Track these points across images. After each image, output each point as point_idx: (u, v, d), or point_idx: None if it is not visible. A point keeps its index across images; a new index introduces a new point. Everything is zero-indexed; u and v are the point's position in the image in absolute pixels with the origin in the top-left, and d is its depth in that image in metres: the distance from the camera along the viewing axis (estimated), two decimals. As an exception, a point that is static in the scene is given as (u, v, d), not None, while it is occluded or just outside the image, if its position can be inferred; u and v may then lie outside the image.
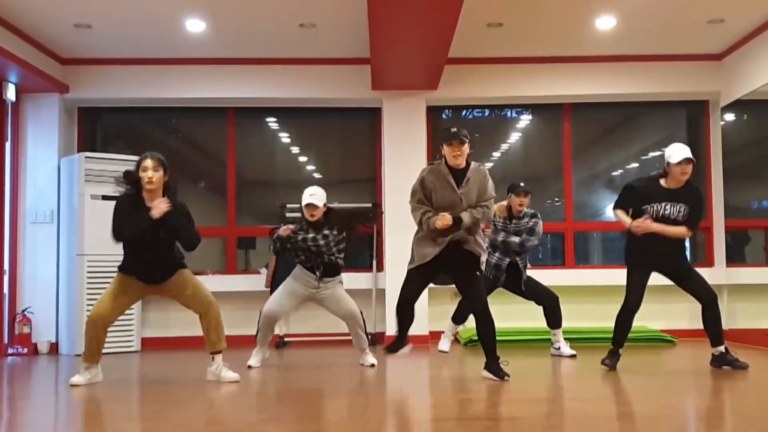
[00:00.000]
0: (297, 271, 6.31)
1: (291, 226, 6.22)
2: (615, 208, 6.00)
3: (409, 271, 5.48)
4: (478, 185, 5.38)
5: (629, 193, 5.90)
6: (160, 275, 5.48)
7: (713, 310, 5.84)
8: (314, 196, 6.18)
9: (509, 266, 6.72)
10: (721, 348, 5.89)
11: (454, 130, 5.31)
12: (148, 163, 5.36)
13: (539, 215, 6.79)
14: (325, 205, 6.23)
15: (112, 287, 5.48)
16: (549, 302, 6.82)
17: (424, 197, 5.44)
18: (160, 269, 5.47)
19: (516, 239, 6.68)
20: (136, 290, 5.52)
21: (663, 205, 5.71)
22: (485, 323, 5.37)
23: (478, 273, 5.42)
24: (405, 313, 5.49)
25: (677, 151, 5.68)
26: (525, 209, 6.74)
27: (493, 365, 5.38)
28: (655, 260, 5.81)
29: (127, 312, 5.77)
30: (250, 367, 6.27)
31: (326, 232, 6.14)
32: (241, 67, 8.41)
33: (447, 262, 5.37)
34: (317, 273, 6.19)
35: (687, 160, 5.65)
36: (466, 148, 5.34)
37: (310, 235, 6.12)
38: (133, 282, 5.46)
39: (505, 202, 6.77)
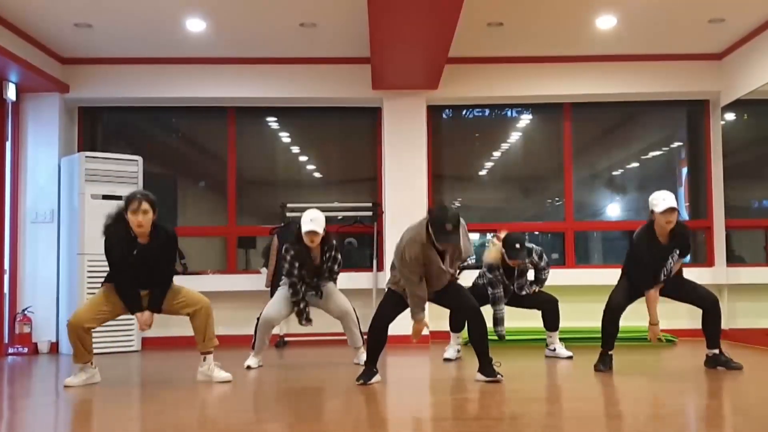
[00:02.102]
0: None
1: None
2: (645, 288, 5.85)
3: (389, 289, 5.45)
4: (458, 248, 5.28)
5: (645, 262, 5.80)
6: (149, 302, 5.45)
7: (713, 312, 5.82)
8: (315, 221, 5.99)
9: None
10: (716, 350, 5.86)
11: (449, 227, 5.02)
12: (137, 205, 5.25)
13: (536, 250, 6.76)
14: (325, 230, 6.10)
15: (97, 297, 5.44)
16: (549, 305, 6.82)
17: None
18: (149, 294, 5.45)
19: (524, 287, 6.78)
20: (121, 307, 5.45)
21: (668, 263, 5.76)
22: (477, 326, 5.35)
23: (457, 281, 5.45)
24: (379, 333, 5.35)
25: (661, 201, 5.63)
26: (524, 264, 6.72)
27: (486, 367, 5.34)
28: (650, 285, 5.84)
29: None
30: (248, 367, 6.26)
31: (326, 256, 6.19)
32: (241, 66, 8.42)
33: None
34: (316, 292, 6.26)
35: (670, 210, 5.61)
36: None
37: (312, 286, 6.22)
38: (118, 301, 5.43)
39: (496, 247, 6.57)
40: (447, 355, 6.79)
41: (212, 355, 5.57)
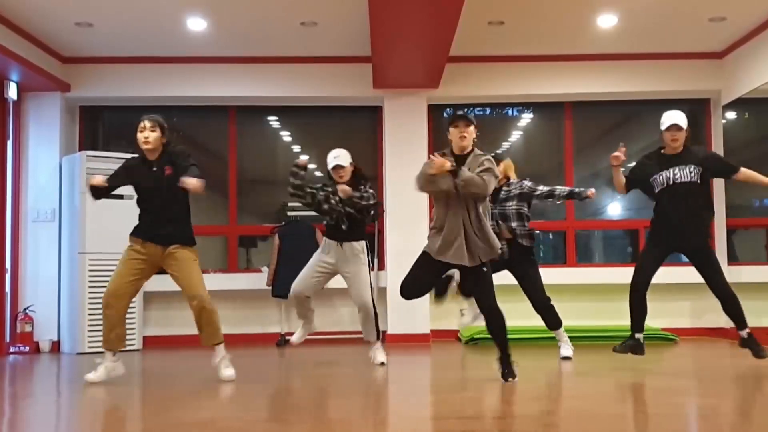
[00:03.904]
0: (322, 245, 6.26)
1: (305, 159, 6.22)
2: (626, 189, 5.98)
3: (423, 253, 5.35)
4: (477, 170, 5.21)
5: (637, 172, 5.87)
6: (167, 234, 5.37)
7: (729, 304, 5.73)
8: (339, 157, 6.13)
9: (516, 246, 6.35)
10: (743, 333, 5.75)
11: (460, 112, 5.29)
12: (145, 123, 5.43)
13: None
14: (351, 164, 6.18)
15: (121, 257, 5.44)
16: (538, 304, 6.52)
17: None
18: (167, 228, 5.38)
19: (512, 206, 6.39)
20: (144, 256, 5.38)
21: (672, 170, 5.65)
22: (494, 321, 5.27)
23: (485, 269, 5.25)
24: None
25: (667, 118, 5.68)
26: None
27: (504, 360, 5.27)
28: (673, 239, 5.70)
29: (128, 310, 5.69)
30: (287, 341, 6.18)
31: (360, 188, 6.09)
32: (242, 65, 8.42)
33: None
34: (342, 228, 6.08)
35: (675, 126, 5.62)
36: (472, 130, 5.28)
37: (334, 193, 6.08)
38: (141, 247, 5.39)
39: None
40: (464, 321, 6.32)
41: (222, 346, 5.45)
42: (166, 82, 8.40)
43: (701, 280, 5.95)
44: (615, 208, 9.33)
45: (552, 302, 6.44)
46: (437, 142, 8.80)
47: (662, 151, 5.79)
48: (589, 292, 8.41)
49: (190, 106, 8.80)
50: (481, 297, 5.34)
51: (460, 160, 5.28)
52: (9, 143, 8.01)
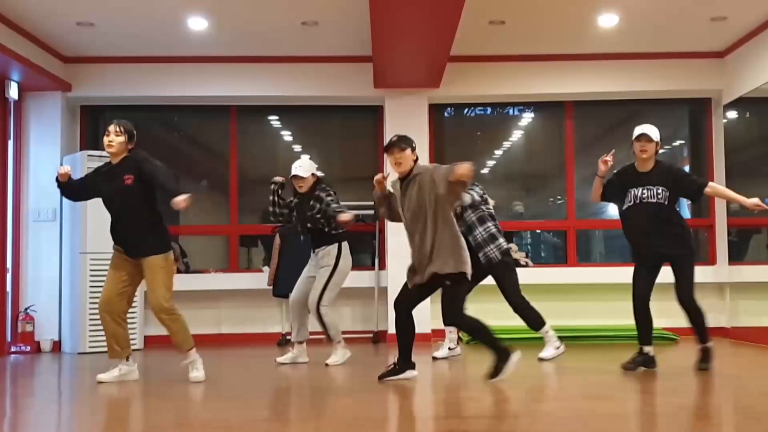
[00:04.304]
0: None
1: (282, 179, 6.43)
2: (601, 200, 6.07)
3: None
4: (427, 180, 5.21)
5: (610, 186, 5.91)
6: (133, 246, 5.34)
7: (692, 315, 5.65)
8: (300, 168, 6.33)
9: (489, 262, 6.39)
10: (702, 346, 5.71)
11: (394, 137, 5.33)
12: (111, 128, 5.41)
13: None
14: (313, 175, 6.37)
15: (110, 260, 5.46)
16: (513, 306, 6.45)
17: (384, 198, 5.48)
18: (130, 240, 5.34)
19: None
20: (127, 264, 5.39)
21: (639, 189, 5.67)
22: (470, 331, 5.32)
23: (451, 284, 5.22)
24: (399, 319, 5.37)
25: (638, 128, 5.72)
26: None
27: (495, 359, 5.27)
28: (646, 250, 5.70)
29: (129, 309, 5.69)
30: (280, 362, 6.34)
31: (317, 197, 6.26)
32: (243, 65, 8.41)
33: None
34: (312, 244, 6.29)
35: (644, 137, 5.64)
36: (408, 154, 5.29)
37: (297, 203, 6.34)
38: (122, 255, 5.39)
39: None
40: (437, 354, 6.63)
41: (194, 350, 5.45)
42: (167, 82, 8.40)
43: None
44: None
45: (529, 303, 6.42)
46: (438, 142, 8.81)
47: (636, 165, 5.81)
48: (589, 291, 8.41)
49: (191, 105, 8.80)
50: (445, 308, 5.32)
51: (404, 184, 5.34)
52: (10, 143, 8.01)
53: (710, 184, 5.86)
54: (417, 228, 5.24)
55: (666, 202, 5.64)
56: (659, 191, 5.64)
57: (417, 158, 5.38)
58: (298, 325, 6.47)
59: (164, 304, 5.29)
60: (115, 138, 5.36)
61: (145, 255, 5.32)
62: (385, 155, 5.41)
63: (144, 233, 5.35)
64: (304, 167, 6.37)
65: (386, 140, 8.41)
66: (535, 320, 6.45)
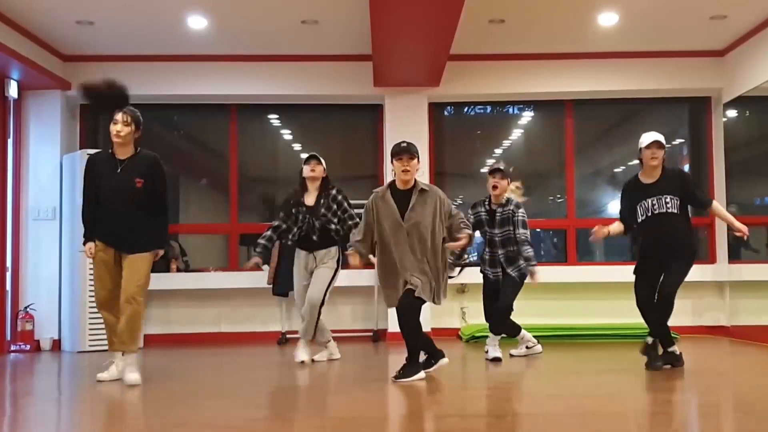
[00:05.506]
0: (295, 261, 6.35)
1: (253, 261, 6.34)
2: (624, 223, 5.93)
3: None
4: (437, 206, 5.22)
5: (624, 202, 5.87)
6: (125, 242, 5.26)
7: (663, 305, 5.64)
8: (315, 156, 6.38)
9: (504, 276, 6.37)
10: (650, 340, 5.74)
11: (404, 143, 5.27)
12: (119, 116, 5.30)
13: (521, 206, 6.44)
14: (324, 169, 6.39)
15: (94, 259, 5.34)
16: (505, 310, 6.43)
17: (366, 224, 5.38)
18: (126, 236, 5.26)
19: (498, 234, 6.35)
20: (110, 258, 5.29)
21: (648, 201, 5.66)
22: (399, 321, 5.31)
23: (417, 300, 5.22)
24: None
25: (648, 136, 5.69)
26: (505, 194, 6.39)
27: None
28: (658, 260, 5.69)
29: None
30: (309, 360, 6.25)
31: (333, 197, 6.24)
32: (243, 64, 8.41)
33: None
34: (313, 239, 6.20)
35: (656, 144, 5.62)
36: (415, 163, 5.24)
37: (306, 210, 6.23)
38: (104, 252, 5.28)
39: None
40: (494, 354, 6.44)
41: (134, 356, 5.28)
42: (167, 81, 8.39)
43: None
44: (616, 206, 9.31)
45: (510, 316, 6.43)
46: (438, 141, 8.81)
47: (640, 177, 5.80)
48: (589, 290, 8.41)
49: (191, 104, 8.79)
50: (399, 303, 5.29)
51: (404, 195, 5.27)
52: (10, 141, 8.00)
53: (714, 204, 5.87)
54: (406, 241, 5.20)
55: (677, 211, 5.64)
56: (668, 200, 5.64)
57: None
58: (318, 328, 6.37)
59: (140, 291, 5.21)
60: (123, 128, 5.28)
61: (138, 251, 5.27)
62: (392, 161, 5.29)
63: (141, 230, 5.31)
64: (320, 159, 6.39)
65: (386, 140, 8.49)
66: (513, 327, 6.53)
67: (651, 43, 8.20)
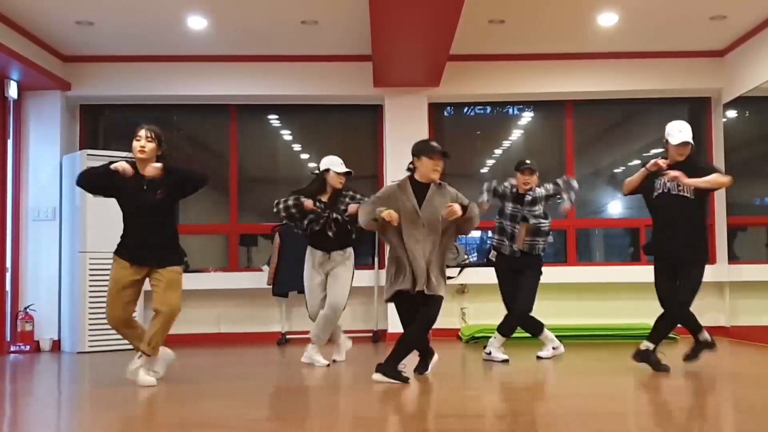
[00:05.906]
0: (307, 259, 6.27)
1: (310, 202, 6.13)
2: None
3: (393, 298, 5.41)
4: (448, 200, 5.29)
5: (646, 179, 5.78)
6: (154, 258, 5.28)
7: (672, 315, 5.64)
8: (344, 164, 6.29)
9: (523, 256, 6.39)
10: (651, 346, 5.71)
11: (437, 146, 5.40)
12: (142, 133, 5.34)
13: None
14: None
15: (111, 274, 5.34)
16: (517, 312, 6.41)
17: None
18: (155, 252, 5.29)
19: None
20: (133, 276, 5.29)
21: (664, 179, 5.61)
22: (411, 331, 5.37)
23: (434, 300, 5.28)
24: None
25: (676, 133, 5.60)
26: (535, 189, 6.46)
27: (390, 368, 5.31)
28: (668, 255, 5.66)
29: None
30: (328, 365, 6.20)
31: (346, 194, 6.25)
32: (242, 64, 8.41)
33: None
34: (329, 234, 6.15)
35: (684, 144, 5.59)
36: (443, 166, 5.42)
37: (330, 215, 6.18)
38: (129, 269, 5.28)
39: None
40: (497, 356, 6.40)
41: (149, 359, 5.33)
42: (167, 81, 8.39)
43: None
44: (615, 206, 9.33)
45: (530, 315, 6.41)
46: (437, 141, 8.73)
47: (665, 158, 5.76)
48: (589, 290, 8.41)
49: (190, 104, 8.79)
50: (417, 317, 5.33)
51: (420, 188, 5.36)
52: (9, 142, 8.00)
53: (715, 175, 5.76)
54: (420, 232, 5.27)
55: (692, 197, 5.55)
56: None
57: None
58: (333, 330, 6.33)
59: (178, 309, 5.32)
60: (147, 144, 5.31)
61: (167, 265, 5.30)
62: (420, 156, 5.38)
63: (168, 245, 5.37)
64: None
65: (386, 140, 8.49)
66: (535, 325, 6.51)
67: (651, 43, 8.20)
